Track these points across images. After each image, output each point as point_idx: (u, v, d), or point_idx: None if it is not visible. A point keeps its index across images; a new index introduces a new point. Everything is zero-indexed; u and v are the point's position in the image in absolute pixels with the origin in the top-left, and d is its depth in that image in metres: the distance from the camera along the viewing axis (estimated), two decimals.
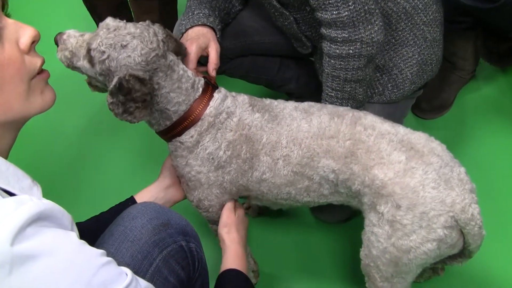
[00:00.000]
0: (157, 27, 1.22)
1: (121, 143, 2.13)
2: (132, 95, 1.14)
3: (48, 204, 0.82)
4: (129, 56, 1.14)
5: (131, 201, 1.33)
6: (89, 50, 1.17)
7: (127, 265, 1.08)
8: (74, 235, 0.85)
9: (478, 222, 1.16)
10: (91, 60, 1.18)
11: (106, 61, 1.15)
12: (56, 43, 1.23)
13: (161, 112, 1.24)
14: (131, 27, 1.17)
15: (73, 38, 1.21)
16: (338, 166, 1.23)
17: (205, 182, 1.32)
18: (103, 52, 1.15)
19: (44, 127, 2.19)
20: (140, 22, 1.20)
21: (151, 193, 1.37)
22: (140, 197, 1.35)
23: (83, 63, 1.20)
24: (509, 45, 2.04)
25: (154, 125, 1.29)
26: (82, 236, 1.20)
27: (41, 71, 0.98)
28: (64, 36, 1.21)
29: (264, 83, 1.90)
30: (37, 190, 0.96)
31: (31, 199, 0.80)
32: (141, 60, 1.15)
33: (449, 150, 1.25)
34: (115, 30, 1.16)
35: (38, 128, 2.18)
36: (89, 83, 1.29)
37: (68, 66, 1.24)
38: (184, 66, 1.26)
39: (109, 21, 1.19)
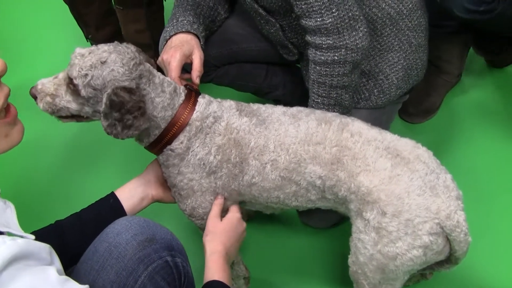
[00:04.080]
0: (125, 43, 1.23)
1: (108, 155, 2.12)
2: (126, 107, 1.14)
3: (22, 244, 0.80)
4: (112, 70, 1.15)
5: (112, 197, 1.31)
6: (70, 81, 1.17)
7: (112, 283, 1.07)
8: (53, 272, 0.82)
9: (463, 229, 1.16)
10: (75, 91, 1.18)
11: (91, 82, 1.15)
12: (34, 97, 1.23)
13: (149, 120, 1.23)
14: (103, 46, 1.19)
15: (48, 83, 1.22)
16: (325, 172, 1.23)
17: (198, 189, 1.31)
18: (86, 75, 1.15)
19: (30, 140, 2.18)
20: (108, 44, 1.21)
21: (131, 186, 1.35)
22: (121, 192, 1.33)
23: (66, 99, 1.20)
24: (499, 43, 2.05)
25: (144, 138, 1.28)
26: (68, 234, 1.20)
27: (7, 110, 0.94)
28: (39, 86, 1.22)
29: (251, 90, 1.89)
30: (10, 212, 0.93)
31: (4, 242, 0.78)
32: (125, 70, 1.16)
33: (436, 155, 1.26)
34: (90, 53, 1.16)
35: (24, 140, 2.15)
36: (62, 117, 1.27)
37: (52, 112, 1.23)
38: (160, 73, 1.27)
39: (79, 49, 1.19)
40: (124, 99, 1.14)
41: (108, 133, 1.19)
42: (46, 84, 1.21)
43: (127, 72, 1.16)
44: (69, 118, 1.27)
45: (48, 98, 1.21)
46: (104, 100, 1.15)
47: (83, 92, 1.16)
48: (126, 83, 1.16)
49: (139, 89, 1.18)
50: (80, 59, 1.15)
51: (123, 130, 1.17)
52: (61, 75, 1.21)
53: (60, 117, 1.26)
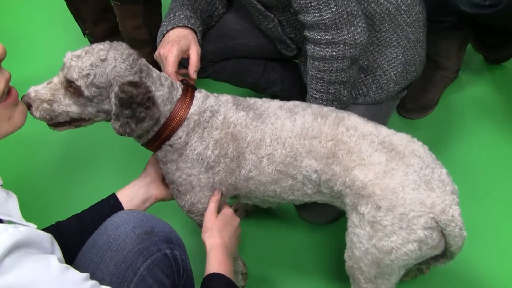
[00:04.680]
0: (116, 41, 1.22)
1: (106, 152, 2.12)
2: (136, 101, 1.14)
3: (24, 231, 0.81)
4: (115, 66, 1.15)
5: (112, 198, 1.31)
6: (69, 84, 1.15)
7: (111, 275, 1.08)
8: (54, 260, 0.83)
9: (458, 224, 1.15)
10: (75, 93, 1.16)
11: (95, 80, 1.13)
12: (29, 105, 1.17)
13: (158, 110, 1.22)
14: (98, 45, 1.17)
15: (42, 89, 1.17)
16: (320, 166, 1.23)
17: (197, 184, 1.31)
18: (88, 74, 1.13)
19: (27, 135, 2.17)
20: (101, 43, 1.19)
21: (131, 189, 1.35)
22: (122, 194, 1.33)
23: (66, 102, 1.17)
24: (500, 38, 2.05)
25: (143, 135, 1.27)
26: (67, 235, 1.20)
27: (7, 93, 0.94)
28: (32, 94, 1.17)
29: (249, 86, 1.89)
30: (12, 202, 0.94)
31: (6, 229, 0.78)
32: (127, 66, 1.16)
33: (433, 150, 1.26)
34: (86, 53, 1.15)
35: (21, 137, 2.15)
36: (55, 125, 1.24)
37: (50, 119, 1.19)
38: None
39: (72, 52, 1.17)
40: (132, 93, 1.13)
41: (121, 134, 1.17)
42: (41, 90, 1.17)
43: (128, 67, 1.16)
44: (66, 125, 1.24)
45: (45, 105, 1.17)
46: (113, 100, 1.14)
47: (86, 93, 1.14)
48: (130, 78, 1.15)
49: (142, 81, 1.18)
50: (77, 60, 1.14)
51: (137, 124, 1.16)
52: (56, 79, 1.18)
53: (57, 126, 1.23)
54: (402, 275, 1.29)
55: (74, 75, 1.13)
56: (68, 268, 0.86)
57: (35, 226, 0.91)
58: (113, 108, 1.15)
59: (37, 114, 1.18)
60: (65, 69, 1.15)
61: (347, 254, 1.30)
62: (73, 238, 1.22)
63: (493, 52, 2.13)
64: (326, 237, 1.75)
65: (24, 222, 0.92)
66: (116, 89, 1.14)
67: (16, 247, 0.77)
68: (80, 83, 1.13)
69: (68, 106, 1.18)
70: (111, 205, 1.30)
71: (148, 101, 1.16)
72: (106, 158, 2.10)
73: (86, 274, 0.88)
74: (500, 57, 2.16)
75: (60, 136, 2.14)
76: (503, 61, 2.19)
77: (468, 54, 2.12)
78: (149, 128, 1.21)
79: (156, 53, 1.42)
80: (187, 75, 1.40)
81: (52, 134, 2.14)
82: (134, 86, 1.14)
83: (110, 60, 1.14)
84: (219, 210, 1.35)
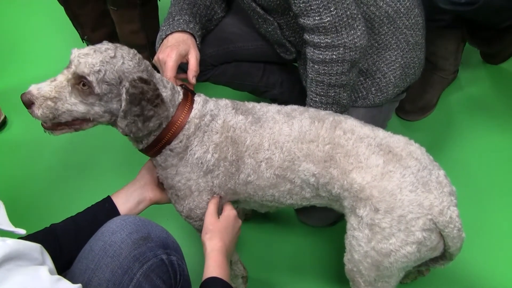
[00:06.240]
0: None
1: (104, 157, 2.12)
2: (146, 97, 1.14)
3: (12, 244, 0.81)
4: (123, 63, 1.15)
5: (107, 201, 1.32)
6: (78, 82, 1.13)
7: (108, 281, 1.08)
8: (45, 271, 0.83)
9: (457, 225, 1.16)
10: (83, 91, 1.14)
11: (105, 76, 1.13)
12: (29, 103, 1.13)
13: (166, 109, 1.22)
14: (103, 45, 1.17)
15: (46, 86, 1.13)
16: (318, 170, 1.23)
17: (195, 189, 1.31)
18: (99, 70, 1.12)
19: (27, 141, 2.19)
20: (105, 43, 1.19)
21: (125, 191, 1.35)
22: (116, 196, 1.33)
23: (71, 101, 1.14)
24: (490, 33, 2.06)
25: (144, 139, 1.26)
26: (61, 238, 1.20)
27: None
28: (34, 91, 1.13)
29: (248, 89, 1.90)
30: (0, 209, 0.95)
31: None
32: (135, 63, 1.17)
33: (432, 151, 1.26)
34: (94, 51, 1.14)
35: (21, 142, 2.17)
36: (52, 128, 1.20)
37: (53, 119, 1.15)
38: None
39: (78, 50, 1.16)
40: (143, 89, 1.14)
41: (126, 133, 1.17)
42: (44, 88, 1.13)
43: (136, 65, 1.17)
44: (65, 128, 1.21)
45: (49, 102, 1.13)
46: (124, 96, 1.14)
47: (97, 89, 1.13)
48: (139, 74, 1.16)
49: (150, 79, 1.18)
50: (86, 57, 1.13)
51: (144, 123, 1.16)
52: (61, 77, 1.15)
53: (55, 128, 1.20)
54: (401, 277, 1.29)
55: (85, 70, 1.12)
56: (60, 279, 0.86)
57: (24, 231, 0.90)
58: (123, 105, 1.14)
59: (39, 112, 1.14)
60: (73, 66, 1.14)
61: (346, 257, 1.30)
62: (67, 241, 1.22)
63: (485, 46, 2.13)
64: (325, 240, 1.75)
65: (13, 228, 0.91)
66: (127, 84, 1.14)
67: (5, 261, 0.77)
68: (91, 78, 1.12)
69: (74, 105, 1.15)
70: (106, 208, 1.30)
71: (157, 98, 1.16)
72: (105, 164, 2.10)
73: (79, 285, 0.88)
74: (492, 51, 2.16)
75: (60, 142, 2.16)
76: (499, 60, 2.19)
77: (466, 56, 2.12)
78: (155, 128, 1.20)
79: (155, 57, 1.43)
80: (186, 79, 1.40)
81: (52, 140, 2.16)
82: (145, 82, 1.15)
83: (119, 57, 1.15)
84: (220, 211, 1.35)
